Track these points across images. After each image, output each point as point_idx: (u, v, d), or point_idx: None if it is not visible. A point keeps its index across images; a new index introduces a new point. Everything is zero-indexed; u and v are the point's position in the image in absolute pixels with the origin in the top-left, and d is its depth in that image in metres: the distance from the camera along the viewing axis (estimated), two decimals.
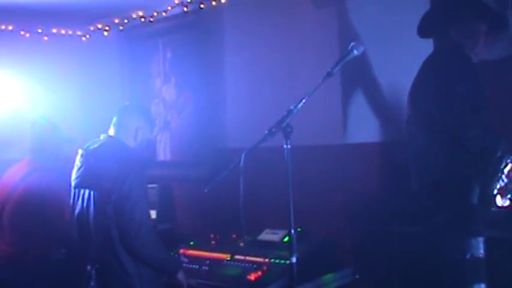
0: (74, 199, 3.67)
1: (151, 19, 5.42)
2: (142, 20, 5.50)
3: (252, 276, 3.73)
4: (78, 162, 3.65)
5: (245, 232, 3.09)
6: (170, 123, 5.49)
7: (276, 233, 4.16)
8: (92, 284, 3.47)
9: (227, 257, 4.05)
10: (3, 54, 5.61)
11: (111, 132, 3.69)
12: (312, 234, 4.08)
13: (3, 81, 5.68)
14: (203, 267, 4.02)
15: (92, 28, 6.04)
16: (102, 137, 3.68)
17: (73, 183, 3.66)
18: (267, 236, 4.18)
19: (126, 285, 3.44)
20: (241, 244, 4.19)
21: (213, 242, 4.36)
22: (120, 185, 3.37)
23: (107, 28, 5.88)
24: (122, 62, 5.94)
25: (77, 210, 3.62)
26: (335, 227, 4.15)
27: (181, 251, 4.31)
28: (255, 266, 3.83)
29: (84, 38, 6.18)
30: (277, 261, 3.86)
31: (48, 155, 4.49)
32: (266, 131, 2.85)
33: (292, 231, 2.83)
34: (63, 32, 6.07)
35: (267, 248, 4.02)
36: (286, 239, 4.07)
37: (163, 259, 3.60)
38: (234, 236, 4.34)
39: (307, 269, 3.28)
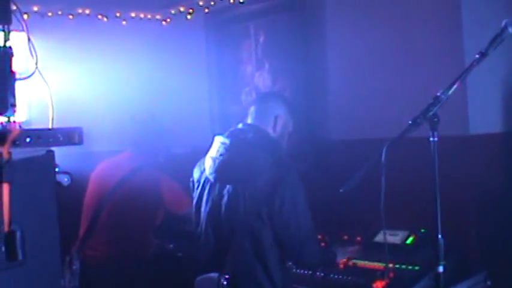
0: (200, 194, 3.31)
1: (241, 0, 5.06)
2: (231, 1, 5.14)
3: (378, 285, 3.34)
4: (215, 153, 3.24)
5: (384, 235, 2.90)
6: None
7: (396, 234, 3.75)
8: None
9: (343, 261, 3.66)
10: (81, 39, 5.31)
11: (250, 121, 3.38)
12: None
13: (80, 66, 5.34)
14: (317, 273, 3.61)
15: (173, 11, 5.75)
16: (240, 126, 3.34)
17: (208, 177, 3.26)
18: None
19: None
20: (357, 247, 3.83)
21: (322, 244, 3.93)
22: (282, 190, 3.06)
23: (190, 11, 5.57)
24: (207, 48, 5.62)
25: (207, 208, 3.24)
26: (461, 228, 3.74)
27: None
28: (378, 272, 3.42)
29: (164, 23, 5.91)
30: (403, 266, 3.46)
31: (150, 149, 4.25)
32: (410, 122, 2.60)
33: (440, 236, 2.63)
34: (142, 16, 5.80)
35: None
36: (409, 240, 3.69)
37: (322, 260, 3.46)
38: (345, 237, 3.95)
39: None
